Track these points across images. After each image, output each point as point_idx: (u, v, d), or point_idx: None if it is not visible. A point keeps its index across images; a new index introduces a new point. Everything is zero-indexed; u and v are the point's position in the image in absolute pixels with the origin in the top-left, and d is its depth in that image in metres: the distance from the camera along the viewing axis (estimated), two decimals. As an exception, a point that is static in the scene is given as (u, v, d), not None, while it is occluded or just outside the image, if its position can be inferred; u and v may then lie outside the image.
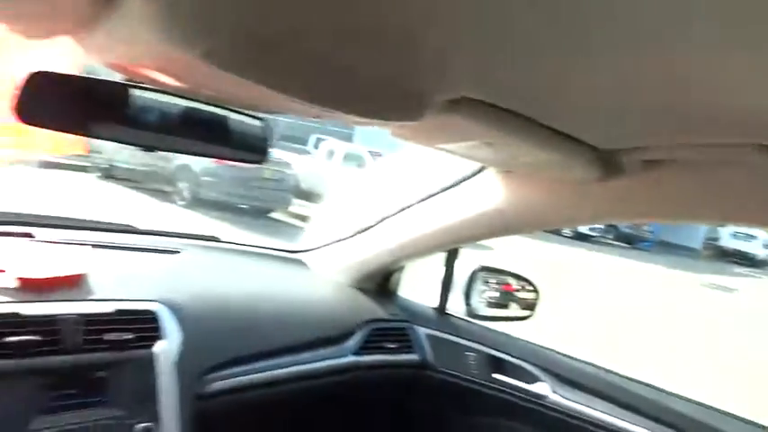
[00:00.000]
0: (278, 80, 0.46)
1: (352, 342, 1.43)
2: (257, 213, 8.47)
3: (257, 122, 0.70)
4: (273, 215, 8.81)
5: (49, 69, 0.66)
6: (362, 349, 1.44)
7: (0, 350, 0.92)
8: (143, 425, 1.01)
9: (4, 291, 1.01)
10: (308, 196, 9.05)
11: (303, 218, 8.60)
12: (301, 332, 1.36)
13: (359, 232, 1.50)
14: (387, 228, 1.43)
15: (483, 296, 1.58)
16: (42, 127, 0.66)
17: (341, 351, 1.41)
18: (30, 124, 0.65)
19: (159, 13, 0.40)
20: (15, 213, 1.35)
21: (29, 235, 1.24)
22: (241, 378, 1.22)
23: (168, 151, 0.77)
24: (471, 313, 1.53)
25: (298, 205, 9.00)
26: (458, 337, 1.54)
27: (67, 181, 7.78)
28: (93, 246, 1.28)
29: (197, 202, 7.71)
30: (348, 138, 11.01)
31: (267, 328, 1.31)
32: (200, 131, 0.69)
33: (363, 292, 1.56)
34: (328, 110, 0.51)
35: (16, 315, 0.96)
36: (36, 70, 0.65)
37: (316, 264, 1.62)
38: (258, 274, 1.51)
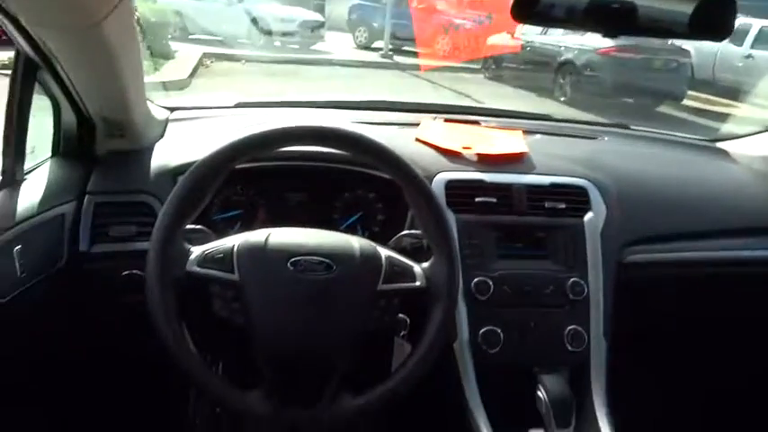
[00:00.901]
0: None
1: None
2: (644, 108, 7.94)
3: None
4: (662, 109, 8.12)
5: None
6: None
7: (470, 207, 1.21)
8: (573, 279, 1.19)
9: (471, 163, 1.29)
10: (706, 87, 8.00)
11: (698, 112, 7.70)
12: (724, 219, 1.34)
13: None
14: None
15: None
16: (530, 23, 0.83)
17: None
18: (521, 22, 0.82)
19: None
20: (464, 106, 1.67)
21: (476, 122, 1.52)
22: (659, 254, 1.30)
23: (633, 35, 0.86)
24: None
25: (691, 98, 8.07)
26: None
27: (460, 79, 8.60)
28: (525, 131, 1.49)
29: (579, 98, 7.65)
30: (766, 12, 8.99)
31: (687, 211, 1.34)
32: (665, 14, 0.76)
33: None
34: None
35: (481, 182, 1.24)
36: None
37: (739, 153, 1.53)
38: (674, 159, 1.52)
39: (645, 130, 1.67)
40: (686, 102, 8.03)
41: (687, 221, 1.32)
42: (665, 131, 1.69)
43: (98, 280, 1.12)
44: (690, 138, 1.66)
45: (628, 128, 1.70)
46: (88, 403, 1.30)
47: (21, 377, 1.09)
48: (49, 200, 1.06)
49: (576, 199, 1.25)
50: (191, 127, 1.39)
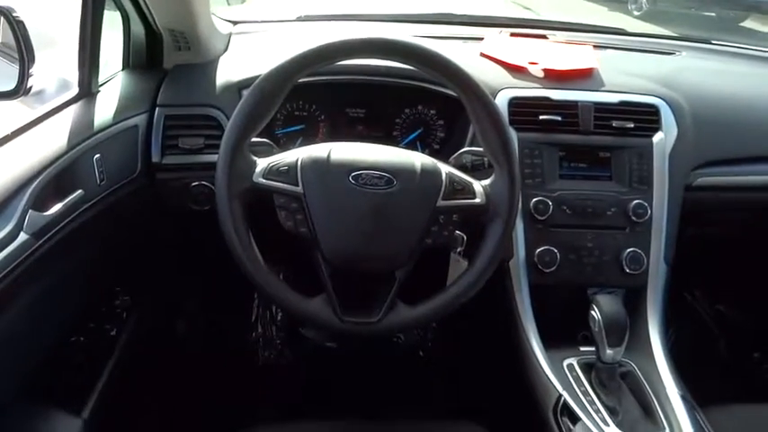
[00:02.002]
0: None
1: None
2: (728, 23, 7.31)
3: None
4: (748, 24, 7.46)
5: None
6: None
7: (534, 125, 1.18)
8: (637, 201, 1.16)
9: (536, 79, 1.25)
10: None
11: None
12: None
13: None
14: None
15: None
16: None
17: None
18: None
19: None
20: (531, 19, 1.59)
21: (544, 36, 1.46)
22: (728, 178, 1.25)
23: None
24: None
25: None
26: None
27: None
28: (595, 46, 1.42)
29: (655, 12, 7.11)
30: None
31: (765, 133, 1.27)
32: None
33: None
34: None
35: (547, 99, 1.20)
36: None
37: None
38: (758, 76, 1.42)
39: (728, 45, 1.56)
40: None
41: (764, 144, 1.26)
42: (750, 46, 1.57)
43: (170, 189, 1.17)
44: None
45: (709, 42, 1.59)
46: (158, 292, 1.39)
47: (107, 270, 1.18)
48: (122, 111, 1.10)
49: (645, 118, 1.20)
50: (253, 40, 1.40)
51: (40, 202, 0.87)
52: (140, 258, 1.31)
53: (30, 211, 0.85)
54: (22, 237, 0.83)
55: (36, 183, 0.87)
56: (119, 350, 1.18)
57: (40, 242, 0.87)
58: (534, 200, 1.15)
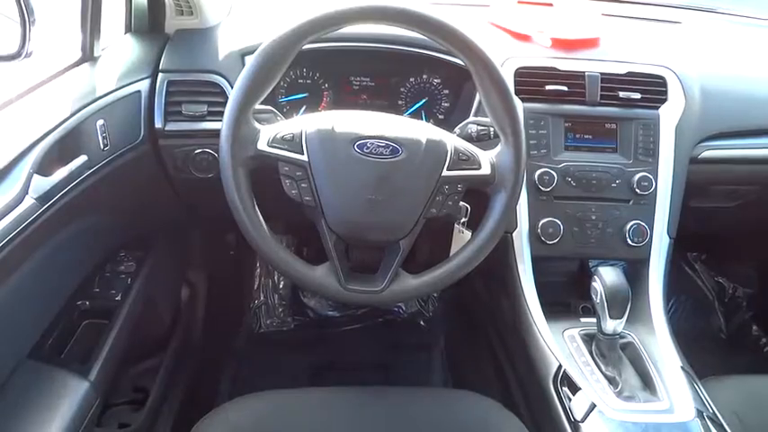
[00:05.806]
0: None
1: None
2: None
3: None
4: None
5: None
6: None
7: (540, 95, 1.17)
8: (642, 173, 1.16)
9: (542, 48, 1.23)
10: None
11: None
12: None
13: None
14: None
15: None
16: None
17: None
18: None
19: None
20: None
21: (550, 4, 1.43)
22: (733, 151, 1.24)
23: None
24: None
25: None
26: None
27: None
28: (602, 14, 1.39)
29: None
30: None
31: None
32: None
33: None
34: None
35: (554, 69, 1.18)
36: None
37: None
38: (765, 46, 1.40)
39: (735, 15, 1.53)
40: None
41: None
42: (757, 15, 1.54)
43: (173, 156, 1.17)
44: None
45: (716, 11, 1.56)
46: (161, 258, 1.39)
47: (112, 236, 1.19)
48: (125, 76, 1.09)
49: (652, 89, 1.19)
50: (256, 5, 1.38)
51: (44, 167, 0.87)
52: (144, 224, 1.32)
53: (34, 175, 0.84)
54: (28, 201, 0.83)
55: (40, 147, 0.87)
56: (123, 315, 1.19)
57: (45, 206, 0.87)
58: (539, 171, 1.14)
